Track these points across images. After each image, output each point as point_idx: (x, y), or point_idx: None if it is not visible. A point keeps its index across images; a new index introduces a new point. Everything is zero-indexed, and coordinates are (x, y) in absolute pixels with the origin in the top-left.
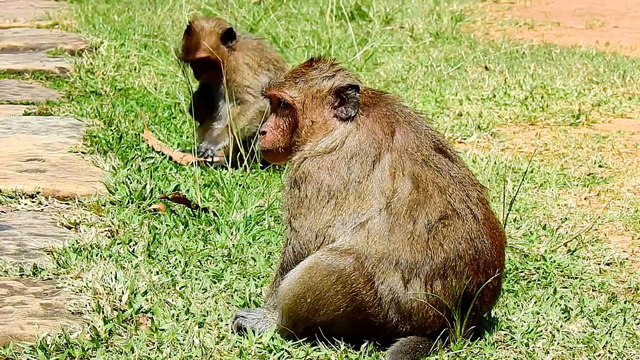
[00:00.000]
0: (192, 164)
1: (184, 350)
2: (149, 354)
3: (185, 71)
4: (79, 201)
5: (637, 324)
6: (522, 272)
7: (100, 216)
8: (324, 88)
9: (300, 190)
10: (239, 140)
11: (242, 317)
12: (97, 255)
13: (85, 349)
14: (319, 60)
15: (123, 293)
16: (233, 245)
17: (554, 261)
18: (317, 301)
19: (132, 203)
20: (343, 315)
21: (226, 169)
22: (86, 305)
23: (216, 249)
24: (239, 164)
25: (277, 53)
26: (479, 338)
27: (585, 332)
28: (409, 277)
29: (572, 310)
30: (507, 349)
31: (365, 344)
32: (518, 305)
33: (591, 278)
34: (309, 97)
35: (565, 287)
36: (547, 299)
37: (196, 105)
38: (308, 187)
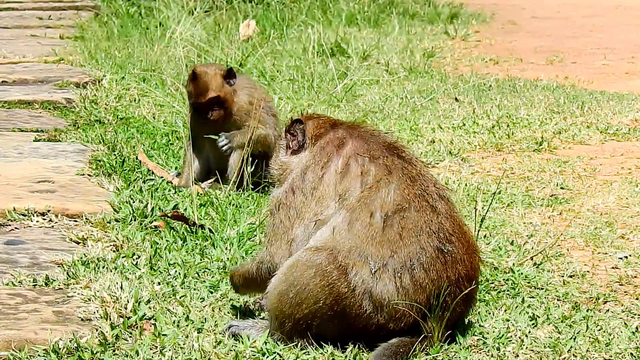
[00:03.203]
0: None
1: (184, 353)
2: (152, 357)
3: (190, 116)
4: (86, 219)
5: (599, 330)
6: (492, 283)
7: (105, 232)
8: (282, 138)
9: (274, 217)
10: (246, 166)
11: (236, 325)
12: (103, 267)
13: (94, 352)
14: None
15: (128, 301)
16: (228, 258)
17: (522, 273)
18: (299, 295)
19: (134, 220)
20: (323, 307)
21: (220, 189)
22: (94, 313)
23: (212, 262)
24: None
25: (264, 91)
26: (454, 343)
27: (551, 338)
28: (376, 269)
29: (539, 317)
30: (480, 353)
31: (350, 347)
32: (489, 313)
33: (556, 289)
34: (276, 154)
35: (532, 297)
36: (516, 307)
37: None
38: (281, 213)
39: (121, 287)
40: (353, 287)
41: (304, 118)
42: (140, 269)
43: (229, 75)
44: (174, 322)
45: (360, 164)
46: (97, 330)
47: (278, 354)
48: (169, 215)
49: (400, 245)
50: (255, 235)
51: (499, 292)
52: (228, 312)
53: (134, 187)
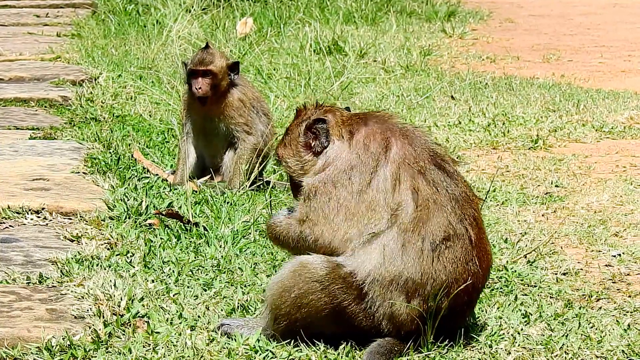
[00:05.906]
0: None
1: (177, 351)
2: (145, 355)
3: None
4: (80, 216)
5: (591, 327)
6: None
7: (100, 230)
8: (300, 132)
9: (312, 201)
10: (243, 174)
11: (227, 324)
12: (97, 265)
13: (87, 350)
14: (304, 109)
15: (121, 299)
16: (222, 256)
17: (515, 271)
18: (300, 299)
19: (129, 218)
20: (325, 317)
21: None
22: (88, 310)
23: (206, 259)
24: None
25: (257, 90)
26: (446, 340)
27: (543, 335)
28: (412, 296)
29: (531, 315)
30: (472, 350)
31: (343, 345)
32: (482, 311)
33: (549, 286)
34: (291, 146)
35: (525, 295)
36: (509, 305)
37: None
38: (320, 199)
39: (115, 285)
40: (373, 311)
41: (323, 113)
42: (134, 267)
43: (233, 68)
44: (167, 319)
45: (410, 176)
46: (90, 328)
47: (271, 351)
48: (164, 213)
49: (441, 275)
50: (250, 233)
51: (492, 289)
52: (221, 310)
53: (129, 185)
